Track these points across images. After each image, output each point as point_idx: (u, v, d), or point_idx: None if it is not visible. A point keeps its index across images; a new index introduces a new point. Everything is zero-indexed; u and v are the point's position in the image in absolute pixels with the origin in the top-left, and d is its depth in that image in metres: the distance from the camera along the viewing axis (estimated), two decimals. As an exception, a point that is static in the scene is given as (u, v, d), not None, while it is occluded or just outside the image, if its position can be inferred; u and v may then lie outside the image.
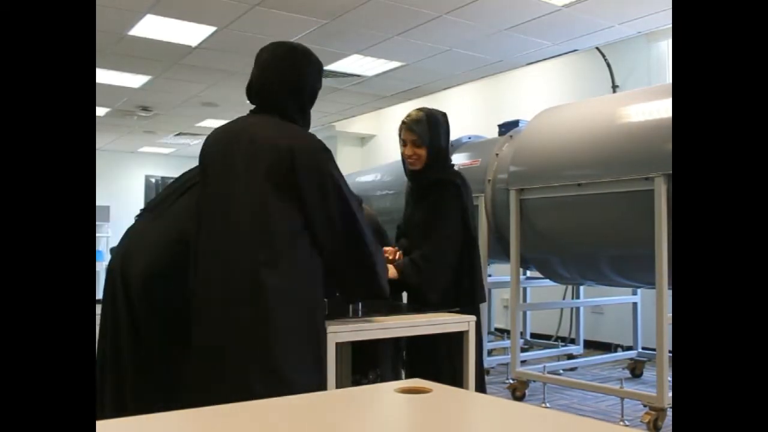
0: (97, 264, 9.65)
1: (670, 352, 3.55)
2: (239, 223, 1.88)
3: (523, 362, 4.78)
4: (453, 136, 5.92)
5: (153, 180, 13.29)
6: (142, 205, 2.43)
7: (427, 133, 2.69)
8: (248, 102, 2.13)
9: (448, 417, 0.99)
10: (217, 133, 2.11)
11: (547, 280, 4.74)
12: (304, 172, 1.89)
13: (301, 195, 1.88)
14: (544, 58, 6.63)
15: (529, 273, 5.51)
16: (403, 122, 2.75)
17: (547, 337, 6.31)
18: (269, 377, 1.79)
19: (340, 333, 2.04)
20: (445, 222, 2.63)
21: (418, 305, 2.54)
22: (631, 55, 6.19)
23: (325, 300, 2.00)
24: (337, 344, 2.07)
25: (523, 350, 5.44)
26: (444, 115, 2.80)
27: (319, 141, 1.99)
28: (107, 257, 2.30)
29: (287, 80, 2.08)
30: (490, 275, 5.28)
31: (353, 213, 1.95)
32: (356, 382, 2.71)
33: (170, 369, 2.06)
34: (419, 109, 2.78)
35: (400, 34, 5.88)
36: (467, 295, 2.61)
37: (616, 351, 5.61)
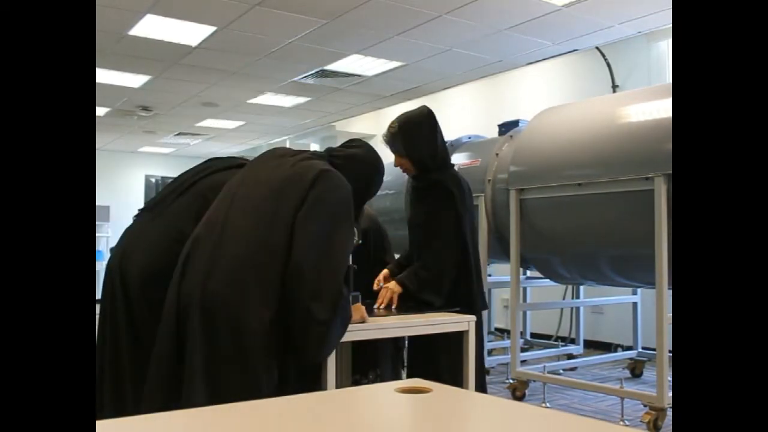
0: (97, 264, 9.65)
1: (670, 352, 3.54)
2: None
3: (523, 362, 4.78)
4: (453, 136, 5.86)
5: (153, 180, 13.29)
6: (142, 205, 2.43)
7: (401, 143, 2.64)
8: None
9: (448, 417, 0.99)
10: None
11: (547, 280, 4.74)
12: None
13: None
14: (544, 58, 6.63)
15: (529, 273, 5.51)
16: (383, 135, 2.73)
17: (547, 337, 6.31)
18: None
19: (340, 333, 2.03)
20: (439, 232, 2.61)
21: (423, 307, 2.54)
22: (631, 55, 6.18)
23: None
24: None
25: (523, 350, 5.43)
26: (426, 116, 2.70)
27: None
28: (107, 257, 2.29)
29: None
30: (490, 275, 5.28)
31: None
32: (356, 382, 2.71)
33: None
34: (395, 120, 2.71)
35: (400, 34, 5.87)
36: (465, 302, 2.60)
37: (616, 351, 5.60)
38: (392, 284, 2.59)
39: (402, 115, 2.74)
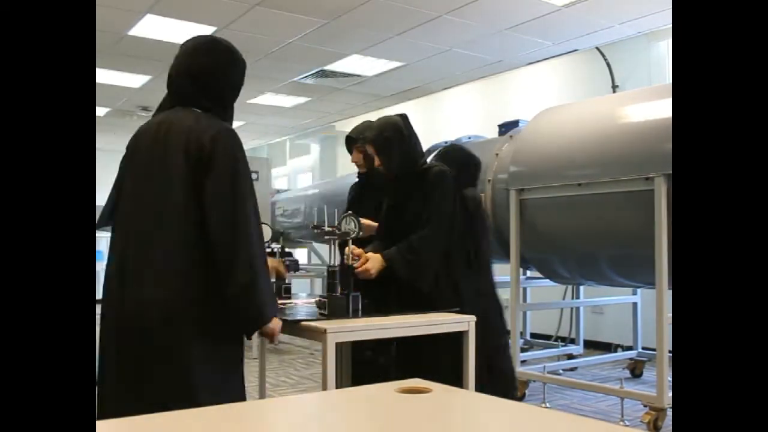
0: (97, 264, 9.64)
1: (670, 352, 3.54)
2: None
3: (523, 362, 4.78)
4: (453, 136, 5.83)
5: (153, 180, 13.23)
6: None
7: (387, 161, 2.67)
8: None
9: (448, 417, 0.99)
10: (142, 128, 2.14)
11: (547, 280, 4.74)
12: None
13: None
14: (544, 58, 6.63)
15: (529, 273, 5.51)
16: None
17: (547, 337, 6.31)
18: None
19: (339, 333, 2.04)
20: (438, 211, 2.58)
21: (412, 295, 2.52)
22: (631, 55, 6.18)
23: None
24: (337, 344, 2.07)
25: (523, 350, 5.43)
26: (396, 128, 2.68)
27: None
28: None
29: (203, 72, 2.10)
30: (490, 275, 5.27)
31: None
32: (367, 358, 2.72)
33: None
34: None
35: (400, 34, 5.87)
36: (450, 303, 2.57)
37: (616, 351, 5.60)
38: (377, 259, 2.48)
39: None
